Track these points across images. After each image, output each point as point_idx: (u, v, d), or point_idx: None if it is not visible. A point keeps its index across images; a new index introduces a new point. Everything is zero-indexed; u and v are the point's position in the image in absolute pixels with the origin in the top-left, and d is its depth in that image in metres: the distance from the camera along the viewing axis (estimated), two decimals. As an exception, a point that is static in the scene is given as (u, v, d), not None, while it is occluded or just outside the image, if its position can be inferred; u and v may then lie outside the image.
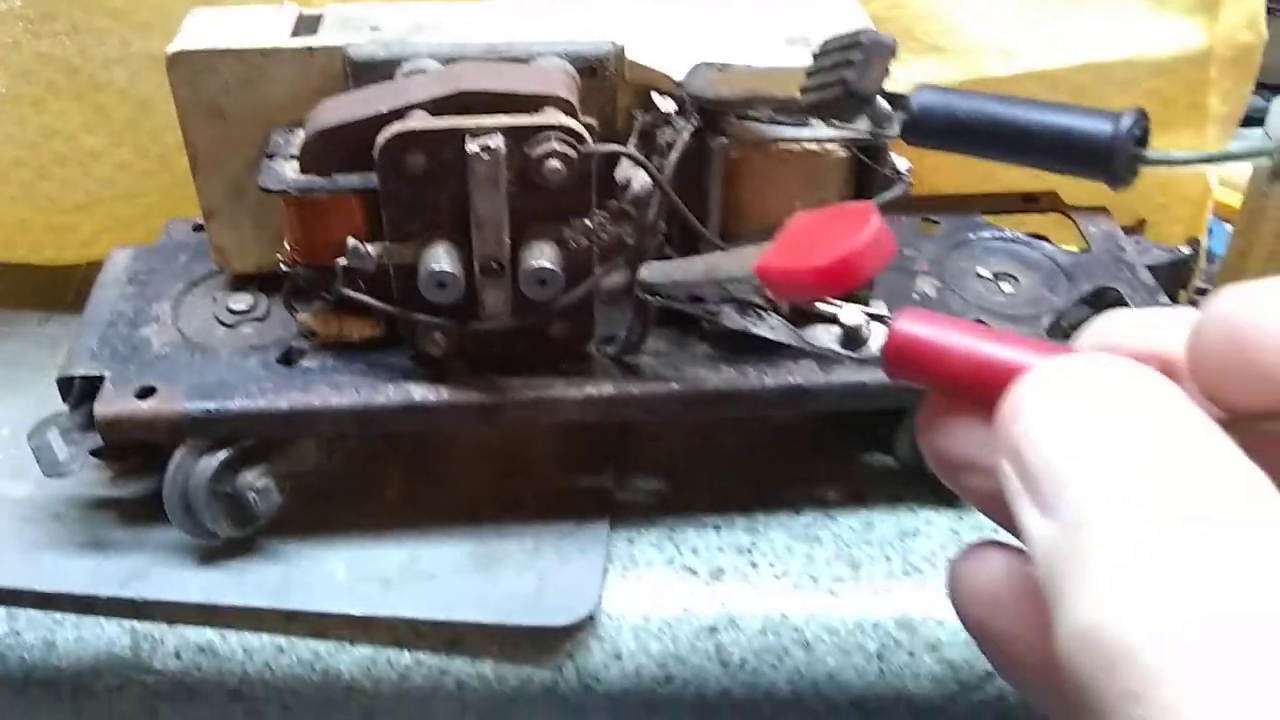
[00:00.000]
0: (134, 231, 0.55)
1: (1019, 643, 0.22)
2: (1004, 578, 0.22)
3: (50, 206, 0.57)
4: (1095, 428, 0.18)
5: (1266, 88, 0.60)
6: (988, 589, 0.23)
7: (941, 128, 0.34)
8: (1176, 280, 0.51)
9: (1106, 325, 0.23)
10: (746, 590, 0.44)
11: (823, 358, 0.44)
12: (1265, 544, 0.16)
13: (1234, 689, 0.15)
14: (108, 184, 0.56)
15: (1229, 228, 0.58)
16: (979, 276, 0.49)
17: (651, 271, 0.38)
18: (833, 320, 0.27)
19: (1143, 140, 0.32)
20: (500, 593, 0.44)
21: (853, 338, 0.27)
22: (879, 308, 0.28)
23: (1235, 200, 0.56)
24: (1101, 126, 0.31)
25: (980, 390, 0.22)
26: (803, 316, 0.31)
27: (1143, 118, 0.32)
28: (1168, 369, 0.20)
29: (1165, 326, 0.22)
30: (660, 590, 0.45)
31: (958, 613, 0.24)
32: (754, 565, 0.45)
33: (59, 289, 0.60)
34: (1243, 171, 0.56)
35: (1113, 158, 0.31)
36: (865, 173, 0.41)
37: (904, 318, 0.24)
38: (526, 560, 0.45)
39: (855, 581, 0.45)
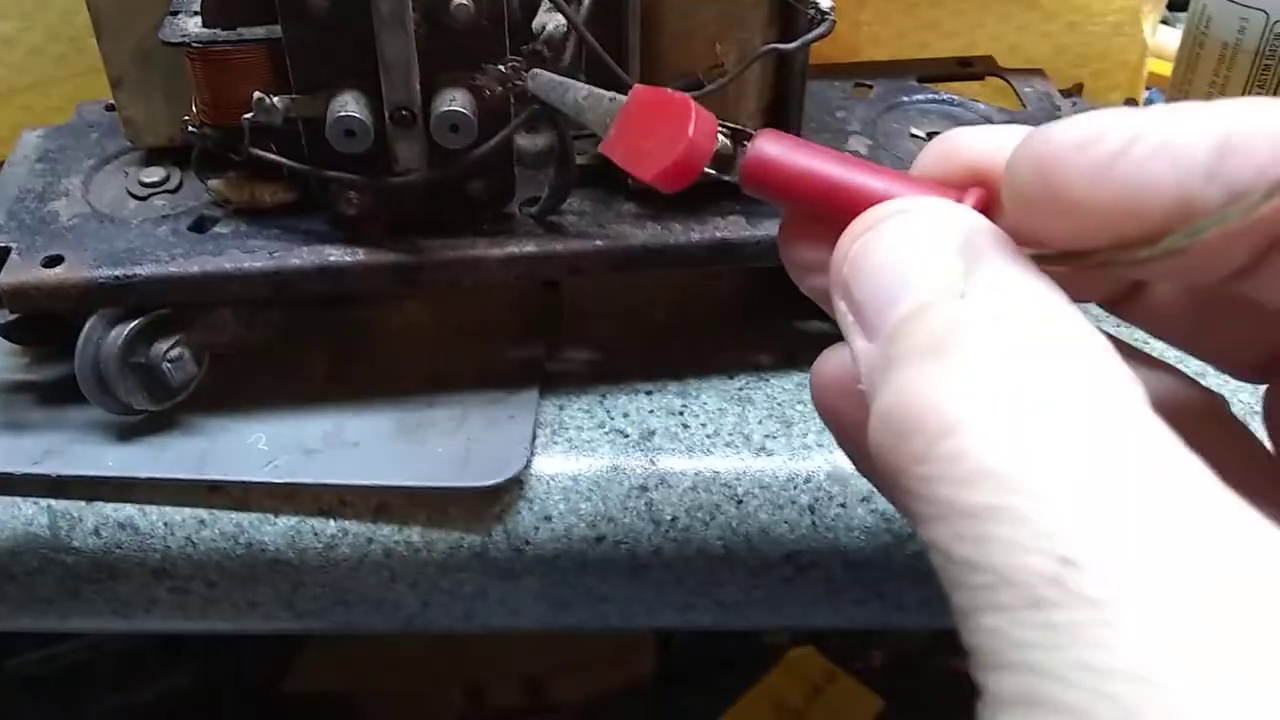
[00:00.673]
0: (51, 123, 0.53)
1: (862, 429, 0.23)
2: (851, 368, 0.24)
3: None
4: (904, 263, 0.21)
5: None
6: (838, 380, 0.26)
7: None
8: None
9: (945, 142, 0.25)
10: (677, 449, 0.44)
11: (748, 213, 0.43)
12: (1021, 331, 0.19)
13: (992, 435, 0.18)
14: (20, 71, 0.55)
15: (1163, 99, 0.58)
16: (912, 136, 0.48)
17: (538, 82, 0.37)
18: None
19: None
20: (427, 458, 0.43)
21: (723, 161, 0.28)
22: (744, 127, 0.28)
23: (1168, 70, 0.56)
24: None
25: (826, 210, 0.25)
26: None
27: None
28: (991, 182, 0.23)
29: (1001, 145, 0.23)
30: (590, 452, 0.44)
31: (816, 405, 0.28)
32: (685, 426, 0.45)
33: None
34: (1175, 40, 0.55)
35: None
36: (788, 13, 0.41)
37: (762, 139, 0.26)
38: (454, 427, 0.45)
39: (788, 438, 0.45)
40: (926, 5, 0.55)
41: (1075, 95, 0.53)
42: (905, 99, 0.51)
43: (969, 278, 0.21)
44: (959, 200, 0.24)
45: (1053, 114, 0.50)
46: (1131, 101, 0.52)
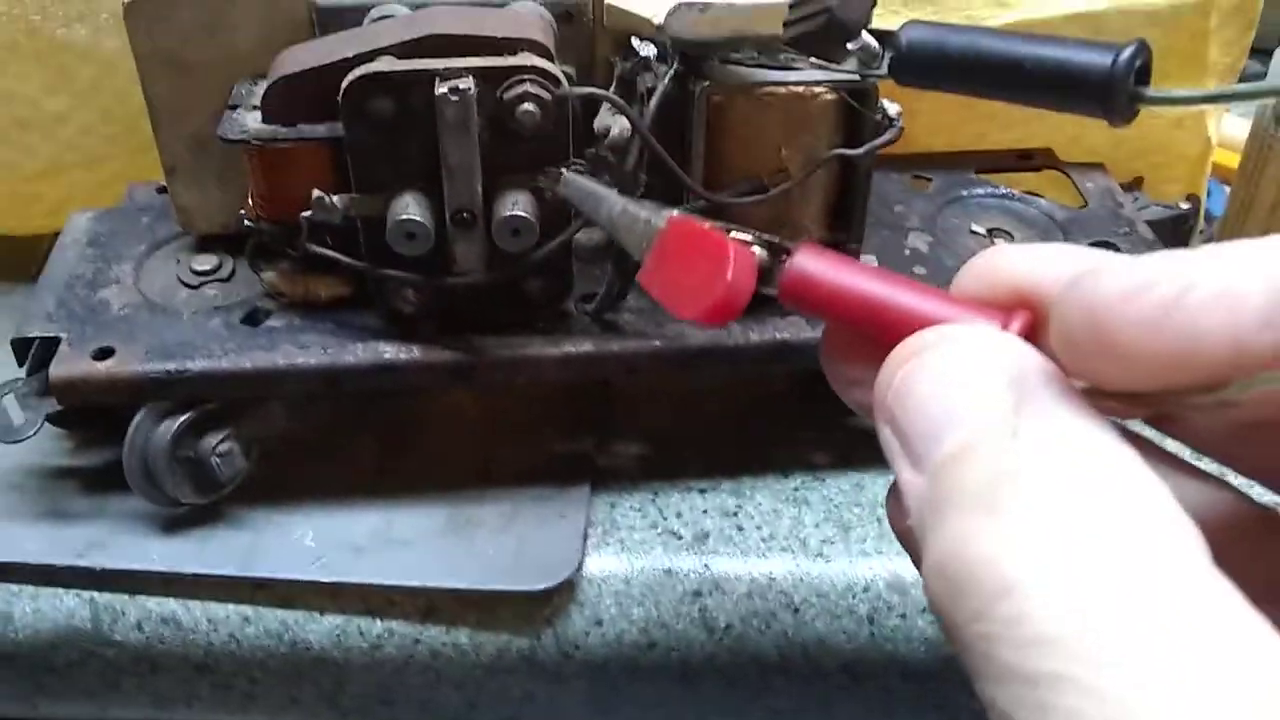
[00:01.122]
0: (100, 200, 0.53)
1: None
2: None
3: (11, 174, 0.55)
4: (953, 394, 0.21)
5: (1261, 52, 0.59)
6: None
7: (932, 64, 0.32)
8: (1176, 237, 0.50)
9: (990, 260, 0.25)
10: (732, 553, 0.43)
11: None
12: (1083, 483, 0.19)
13: (1054, 600, 0.17)
14: (71, 149, 0.55)
15: (1227, 190, 0.57)
16: (972, 233, 0.48)
17: (570, 188, 0.36)
18: None
19: (1144, 75, 0.30)
20: (476, 558, 0.43)
21: (763, 274, 0.28)
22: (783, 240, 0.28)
23: (1234, 161, 0.55)
24: (1100, 59, 0.30)
25: (866, 328, 0.25)
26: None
27: (1143, 50, 0.30)
28: (1042, 307, 0.23)
29: (1048, 263, 0.23)
30: (643, 554, 0.43)
31: (891, 526, 0.27)
32: (740, 529, 0.44)
33: (23, 260, 0.58)
34: (1241, 130, 0.55)
35: (1112, 92, 0.30)
36: (854, 118, 0.40)
37: (800, 255, 0.26)
38: (504, 525, 0.44)
39: (845, 544, 0.44)
40: (985, 97, 0.54)
41: (1136, 190, 0.52)
42: (965, 193, 0.50)
43: (1019, 414, 0.20)
44: (1004, 324, 0.23)
45: (1114, 210, 0.50)
46: (1193, 198, 0.51)
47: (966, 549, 0.19)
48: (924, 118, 0.53)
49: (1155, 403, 0.21)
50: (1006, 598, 0.18)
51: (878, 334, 0.24)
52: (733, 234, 0.32)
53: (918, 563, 0.25)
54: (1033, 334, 0.23)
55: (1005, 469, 0.19)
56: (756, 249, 0.31)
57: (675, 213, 0.32)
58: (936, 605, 0.19)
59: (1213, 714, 0.16)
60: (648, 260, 0.30)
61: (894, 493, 0.26)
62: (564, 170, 0.38)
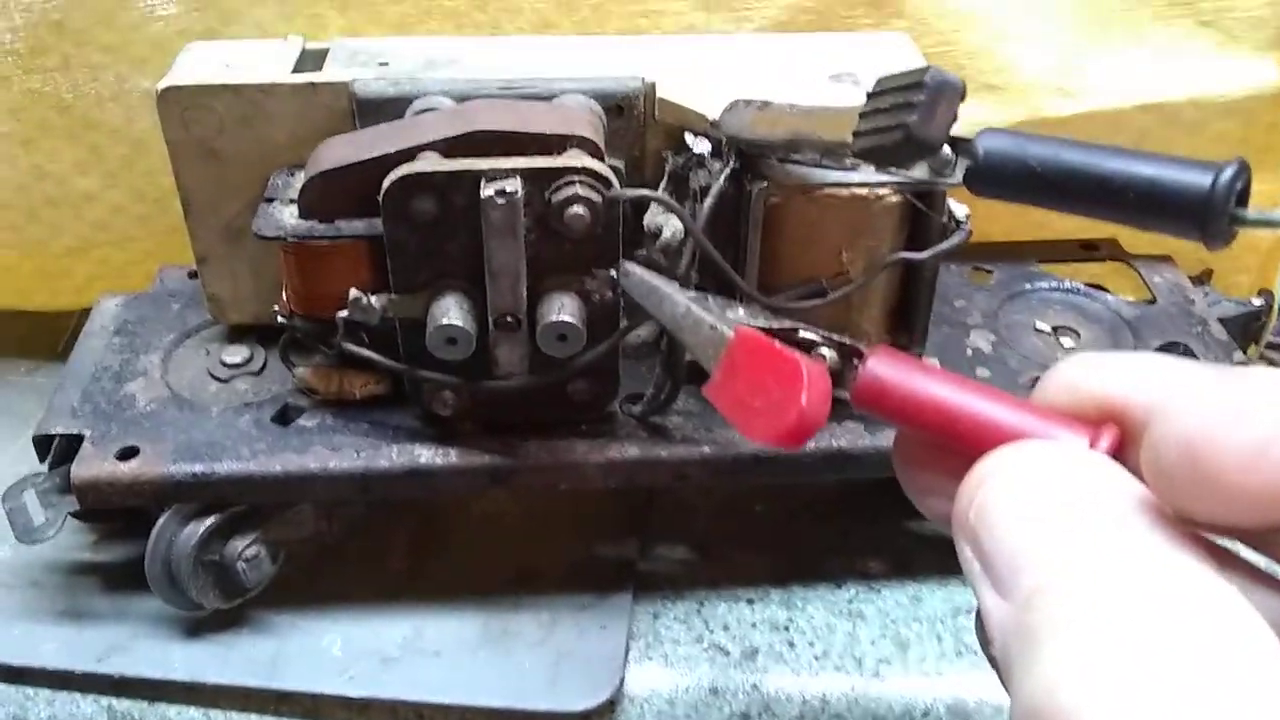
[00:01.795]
0: (128, 278, 0.53)
1: None
2: None
3: (40, 250, 0.54)
4: (1042, 519, 0.20)
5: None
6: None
7: (1011, 176, 0.31)
8: (1248, 334, 0.48)
9: (1074, 371, 0.24)
10: (783, 672, 0.41)
11: (867, 420, 0.41)
12: (1190, 627, 0.18)
13: None
14: (101, 228, 0.54)
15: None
16: (1037, 330, 0.46)
17: (630, 280, 0.34)
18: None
19: (1244, 196, 0.28)
20: (513, 673, 0.41)
21: (833, 378, 0.28)
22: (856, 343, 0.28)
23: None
24: (1198, 179, 0.28)
25: (945, 437, 0.24)
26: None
27: (1244, 170, 0.28)
28: (1129, 422, 0.22)
29: (1134, 375, 0.23)
30: (688, 671, 0.41)
31: (981, 647, 0.26)
32: (791, 644, 0.42)
33: (49, 337, 0.57)
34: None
35: (1210, 216, 0.28)
36: (919, 220, 0.38)
37: (874, 360, 0.25)
38: (542, 636, 0.42)
39: (903, 663, 0.41)
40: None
41: (1205, 283, 0.50)
42: (1028, 286, 0.48)
43: (1115, 547, 0.19)
44: (1092, 440, 0.22)
45: (1185, 306, 0.47)
46: (1267, 293, 0.48)
47: (1059, 695, 0.18)
48: (983, 204, 0.50)
49: (1253, 537, 0.20)
50: None
51: (957, 444, 0.24)
52: (802, 333, 0.30)
53: (1006, 687, 0.24)
54: (1122, 452, 0.22)
55: (1101, 606, 0.18)
56: (826, 350, 0.29)
57: (743, 322, 0.30)
58: None
59: None
60: (715, 373, 0.29)
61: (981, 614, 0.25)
62: (624, 261, 0.36)
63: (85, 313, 0.55)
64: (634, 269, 0.35)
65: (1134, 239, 0.51)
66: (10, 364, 0.57)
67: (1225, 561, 0.20)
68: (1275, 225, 0.29)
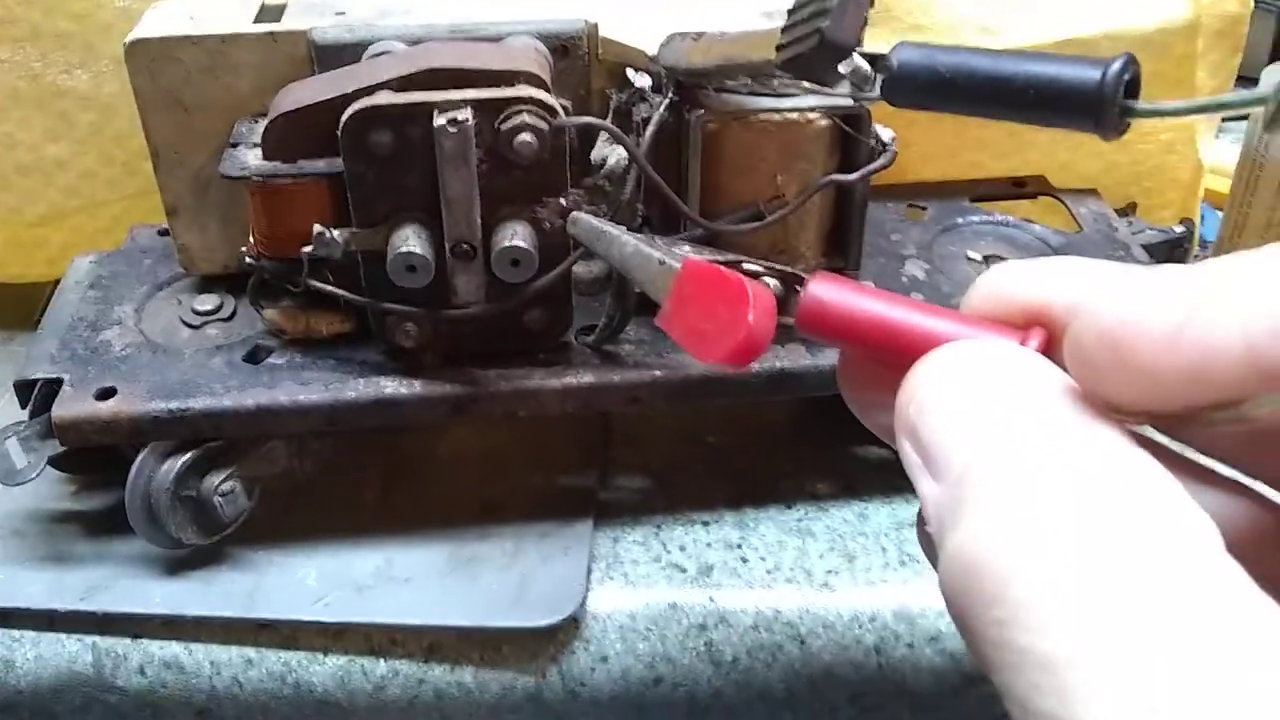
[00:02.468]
0: (101, 246, 0.53)
1: None
2: None
3: (13, 219, 0.55)
4: (973, 406, 0.22)
5: (1247, 78, 0.60)
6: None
7: (924, 84, 0.33)
8: (1171, 261, 0.50)
9: (998, 279, 0.25)
10: (737, 586, 0.43)
11: (809, 342, 0.43)
12: (1105, 488, 0.19)
13: (1068, 581, 0.18)
14: (72, 193, 0.55)
15: (1219, 214, 0.58)
16: (969, 260, 0.48)
17: (579, 226, 0.36)
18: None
19: (1133, 89, 0.31)
20: (480, 595, 0.42)
21: (779, 304, 0.29)
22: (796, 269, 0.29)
23: (1225, 186, 0.55)
24: (1089, 73, 0.31)
25: (885, 352, 0.25)
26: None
27: (1131, 63, 0.31)
28: (1053, 323, 0.23)
29: (1053, 278, 0.24)
30: (647, 588, 0.43)
31: (920, 544, 0.29)
32: (744, 560, 0.44)
33: (25, 306, 0.58)
34: (1232, 156, 0.55)
35: (1102, 105, 0.30)
36: (848, 143, 0.41)
37: (815, 284, 0.26)
38: (506, 562, 0.44)
39: (850, 574, 0.43)
40: (977, 125, 0.55)
41: (1130, 214, 0.52)
42: (960, 220, 0.51)
43: (1038, 423, 0.21)
44: (1021, 341, 0.24)
45: (1109, 235, 0.50)
46: (1188, 221, 0.51)
47: (980, 542, 0.19)
48: (917, 147, 0.53)
49: (1173, 422, 0.21)
50: (1015, 583, 0.18)
51: (896, 357, 0.25)
52: (745, 265, 0.32)
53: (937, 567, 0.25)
54: (1048, 351, 0.24)
55: (1022, 470, 0.20)
56: (770, 280, 0.31)
57: (689, 254, 0.32)
58: (951, 600, 0.20)
59: (1226, 695, 0.16)
60: (666, 304, 0.30)
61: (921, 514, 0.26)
62: (572, 208, 0.38)
63: (58, 284, 0.57)
64: (581, 216, 0.37)
65: (1060, 176, 0.54)
66: (-15, 334, 0.58)
67: (1162, 455, 0.21)
68: (1164, 115, 0.32)
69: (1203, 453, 0.25)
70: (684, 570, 0.44)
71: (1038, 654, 0.17)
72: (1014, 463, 0.20)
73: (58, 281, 0.56)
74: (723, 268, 0.29)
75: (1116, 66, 0.30)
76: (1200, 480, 0.24)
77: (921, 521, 0.28)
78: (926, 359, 0.23)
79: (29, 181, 0.54)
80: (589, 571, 0.43)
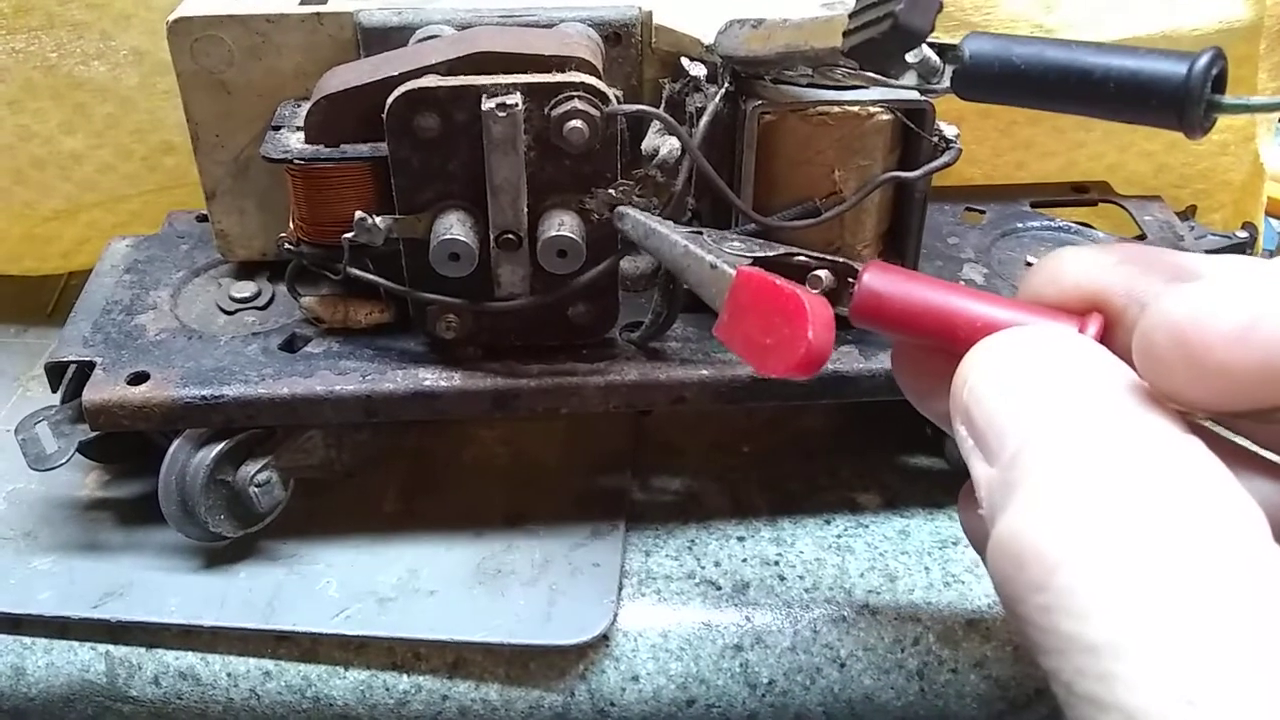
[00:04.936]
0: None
1: None
2: None
3: (28, 214, 0.55)
4: (1028, 390, 0.22)
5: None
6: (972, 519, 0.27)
7: (997, 76, 0.31)
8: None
9: (1057, 264, 0.25)
10: (774, 605, 0.42)
11: (861, 344, 0.41)
12: (1159, 481, 0.19)
13: (1114, 570, 0.18)
14: (89, 187, 0.54)
15: (1275, 224, 0.56)
16: (1028, 264, 0.47)
17: (626, 221, 0.35)
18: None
19: (1219, 84, 0.29)
20: (507, 610, 0.41)
21: (830, 296, 0.29)
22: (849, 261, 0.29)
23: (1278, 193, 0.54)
24: (1174, 68, 0.29)
25: (941, 339, 0.25)
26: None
27: (1220, 57, 0.29)
28: (1112, 309, 0.24)
29: (1112, 265, 0.24)
30: (680, 605, 0.42)
31: (962, 525, 0.29)
32: (782, 578, 0.43)
33: (38, 299, 0.58)
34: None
35: (1188, 102, 0.29)
36: (910, 140, 0.39)
37: (869, 274, 0.26)
38: (535, 575, 0.43)
39: (893, 594, 0.42)
40: (1025, 124, 0.53)
41: (1190, 218, 0.51)
42: (1019, 225, 0.49)
43: (1093, 409, 0.21)
44: (1080, 328, 0.24)
45: (1174, 243, 0.48)
46: (1250, 225, 0.49)
47: (1028, 525, 0.19)
48: (963, 148, 0.51)
49: (1240, 421, 0.22)
50: (1061, 569, 0.18)
51: (952, 344, 0.25)
52: (797, 258, 0.31)
53: (983, 553, 0.25)
54: (1106, 338, 0.24)
55: (1071, 458, 0.20)
56: (822, 273, 0.30)
57: (740, 252, 0.32)
58: (999, 583, 0.20)
59: (1264, 694, 0.16)
60: (722, 314, 0.30)
61: (966, 492, 0.26)
62: (622, 199, 0.37)
63: (74, 275, 0.56)
64: (629, 212, 0.36)
65: (1109, 177, 0.53)
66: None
67: (1218, 446, 0.21)
68: (1253, 110, 0.30)
69: (1262, 447, 0.25)
70: (719, 587, 0.42)
71: (1082, 640, 0.18)
72: (1066, 448, 0.20)
73: (71, 274, 0.56)
74: (777, 280, 0.29)
75: (1204, 60, 0.29)
76: (1251, 467, 0.24)
77: (965, 506, 0.28)
78: (983, 343, 0.23)
79: (44, 175, 0.53)
80: (620, 587, 0.42)
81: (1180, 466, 0.19)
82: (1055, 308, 0.25)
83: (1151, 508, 0.18)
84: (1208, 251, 0.47)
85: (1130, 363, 0.22)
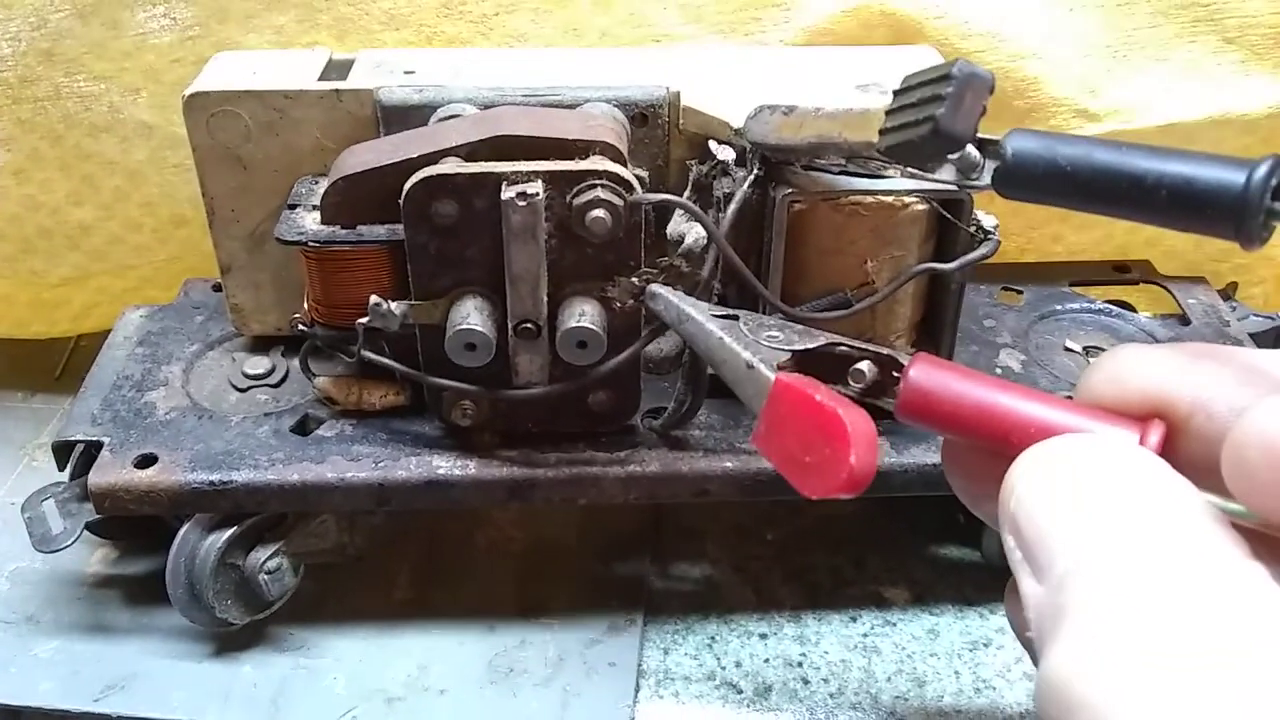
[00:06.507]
0: (128, 304, 0.51)
1: None
2: None
3: (36, 281, 0.54)
4: (1079, 506, 0.20)
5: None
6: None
7: (1041, 177, 0.30)
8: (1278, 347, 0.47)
9: (1116, 365, 0.24)
10: (798, 711, 0.40)
11: (895, 436, 0.40)
12: (1208, 621, 0.18)
13: None
14: (98, 258, 0.53)
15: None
16: (1067, 350, 0.45)
17: (658, 301, 0.34)
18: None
19: (1278, 192, 0.27)
20: (519, 713, 0.40)
21: (873, 389, 0.28)
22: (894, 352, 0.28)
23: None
24: (1232, 176, 0.27)
25: (991, 440, 0.24)
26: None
27: (1279, 165, 0.27)
28: (1175, 414, 0.22)
29: (1178, 368, 0.23)
30: (700, 709, 0.40)
31: (1012, 628, 0.27)
32: (805, 681, 0.41)
33: (46, 363, 0.57)
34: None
35: (1246, 212, 0.27)
36: (946, 230, 0.38)
37: (916, 369, 0.25)
38: (549, 674, 0.41)
39: (920, 700, 0.40)
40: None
41: (1231, 296, 0.49)
42: (1059, 307, 0.48)
43: (1146, 534, 0.19)
44: (1141, 436, 0.22)
45: (1219, 328, 0.47)
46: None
47: (1078, 666, 0.18)
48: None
49: None
50: None
51: (1004, 447, 0.23)
52: (840, 348, 0.30)
53: (1028, 646, 0.24)
54: (1167, 448, 0.22)
55: (1127, 589, 0.19)
56: (865, 366, 0.29)
57: (778, 342, 0.30)
58: (1041, 709, 0.19)
59: None
60: (760, 423, 0.29)
61: (1013, 588, 0.25)
62: (644, 288, 0.35)
63: (83, 339, 0.55)
64: (661, 290, 0.35)
65: (1147, 252, 0.51)
66: (6, 392, 0.57)
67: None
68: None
69: None
70: (740, 690, 0.41)
71: None
72: (1121, 579, 0.19)
73: (79, 337, 0.55)
74: (818, 394, 0.27)
75: (1265, 169, 0.27)
76: None
77: (1012, 603, 0.26)
78: (1033, 449, 0.22)
79: (52, 245, 0.52)
80: (637, 689, 0.41)
81: (1250, 613, 0.18)
82: (1114, 411, 0.23)
83: (1215, 662, 0.17)
84: (1251, 334, 0.45)
85: (1192, 476, 0.20)
